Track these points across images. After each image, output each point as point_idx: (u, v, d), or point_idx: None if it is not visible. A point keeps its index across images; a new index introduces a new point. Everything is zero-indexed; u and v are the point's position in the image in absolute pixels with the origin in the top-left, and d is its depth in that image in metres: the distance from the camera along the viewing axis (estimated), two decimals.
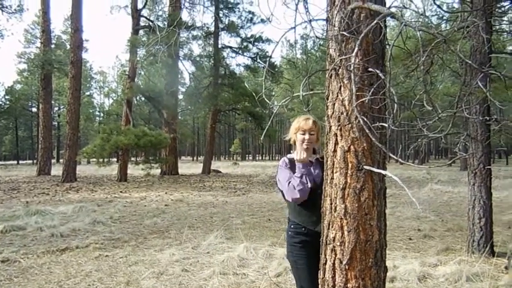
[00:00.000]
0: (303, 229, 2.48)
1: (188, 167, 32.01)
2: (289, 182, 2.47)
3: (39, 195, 11.92)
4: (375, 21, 1.99)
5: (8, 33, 64.27)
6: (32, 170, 24.47)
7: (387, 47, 2.28)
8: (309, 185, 2.45)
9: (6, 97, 51.47)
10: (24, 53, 42.67)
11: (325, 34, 2.55)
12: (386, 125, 2.06)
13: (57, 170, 22.58)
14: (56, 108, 48.40)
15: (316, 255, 2.40)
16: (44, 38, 22.86)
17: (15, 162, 53.23)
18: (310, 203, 2.45)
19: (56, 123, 48.38)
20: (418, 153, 37.76)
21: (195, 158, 64.87)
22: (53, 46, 27.03)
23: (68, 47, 23.49)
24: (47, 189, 13.78)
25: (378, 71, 2.07)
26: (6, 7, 28.13)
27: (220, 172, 24.98)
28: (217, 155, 66.17)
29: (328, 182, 2.17)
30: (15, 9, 28.52)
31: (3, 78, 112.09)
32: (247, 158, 70.75)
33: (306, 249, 2.47)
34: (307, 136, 2.50)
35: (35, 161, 39.49)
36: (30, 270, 4.45)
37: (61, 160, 28.53)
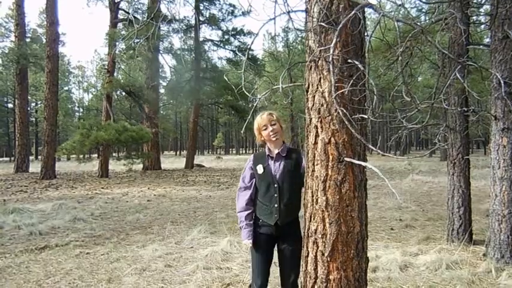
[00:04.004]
0: (260, 221, 2.57)
1: (171, 161, 31.74)
2: (239, 191, 2.65)
3: (16, 193, 11.61)
4: (353, 12, 1.98)
5: None
6: (9, 168, 23.81)
7: (366, 38, 2.28)
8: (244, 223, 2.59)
9: None
10: None
11: (304, 26, 2.53)
12: (366, 116, 2.06)
13: (35, 167, 22.03)
14: (33, 104, 47.11)
15: (271, 248, 2.59)
16: (18, 31, 22.12)
17: None
18: (267, 197, 2.54)
19: (34, 119, 47.12)
20: (399, 145, 38.46)
21: (178, 153, 64.35)
22: (28, 40, 26.20)
23: (44, 40, 22.80)
24: (25, 187, 13.43)
25: (357, 63, 2.06)
26: None
27: (203, 166, 24.86)
28: (200, 149, 65.82)
29: (309, 174, 2.16)
30: None
31: None
32: (230, 152, 70.63)
33: (263, 241, 2.57)
34: (270, 128, 2.54)
35: (12, 158, 38.47)
36: (8, 269, 4.33)
37: (39, 157, 27.87)
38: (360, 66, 2.07)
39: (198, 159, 29.57)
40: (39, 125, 46.39)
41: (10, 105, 48.08)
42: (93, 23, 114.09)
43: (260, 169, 2.58)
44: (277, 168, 2.54)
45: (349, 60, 2.11)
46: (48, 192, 11.83)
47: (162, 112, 37.79)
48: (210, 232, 5.89)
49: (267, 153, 2.60)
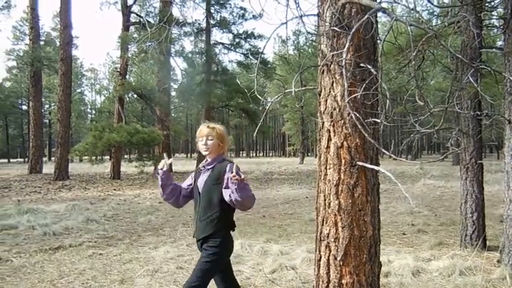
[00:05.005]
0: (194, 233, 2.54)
1: (182, 164, 31.91)
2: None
3: (31, 194, 11.80)
4: (366, 16, 1.99)
5: None
6: (24, 169, 24.20)
7: (379, 42, 2.28)
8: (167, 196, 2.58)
9: None
10: (13, 50, 42.00)
11: (316, 30, 2.54)
12: (378, 120, 2.06)
13: (49, 168, 22.35)
14: (47, 106, 47.88)
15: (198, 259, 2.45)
16: (32, 34, 22.53)
17: (6, 160, 52.63)
18: (194, 209, 2.53)
19: (47, 121, 47.90)
20: (411, 149, 38.03)
21: (189, 155, 64.69)
22: (42, 43, 26.67)
23: (58, 43, 23.19)
24: (39, 188, 13.65)
25: (369, 67, 2.07)
26: None
27: None
28: None
29: (322, 178, 2.17)
30: (2, 6, 28.14)
31: None
32: (241, 155, 70.73)
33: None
34: (203, 141, 2.47)
35: (26, 160, 39.11)
36: (23, 269, 4.41)
37: (53, 158, 28.29)
38: (372, 70, 2.08)
39: None
40: (52, 126, 47.15)
41: (24, 107, 48.98)
42: (106, 26, 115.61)
43: (190, 180, 2.60)
44: (201, 181, 2.47)
45: (362, 64, 2.12)
46: (61, 193, 12.01)
47: (173, 115, 38.11)
48: None
49: (202, 164, 2.56)
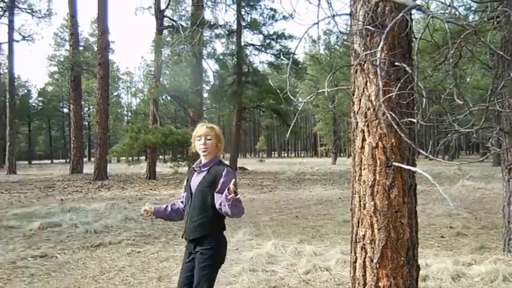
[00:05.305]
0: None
1: None
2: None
3: (73, 193, 12.37)
4: (400, 14, 1.96)
5: (38, 37, 67.08)
6: (66, 169, 25.34)
7: (414, 40, 2.24)
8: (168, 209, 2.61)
9: (39, 99, 53.82)
10: (54, 56, 44.36)
11: (348, 29, 2.52)
12: (414, 120, 2.02)
13: (89, 168, 23.29)
14: (86, 109, 49.90)
15: (190, 263, 2.42)
16: (72, 40, 23.54)
17: (49, 161, 55.39)
18: (186, 210, 2.48)
19: (87, 123, 49.92)
20: (448, 149, 36.63)
21: (221, 156, 65.37)
22: (81, 48, 27.86)
23: (95, 48, 24.15)
24: (80, 187, 14.28)
25: (404, 65, 2.04)
26: (36, 12, 29.27)
27: (246, 169, 25.10)
28: (243, 153, 66.42)
29: (356, 179, 2.15)
30: (44, 14, 29.64)
31: (36, 81, 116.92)
32: (272, 155, 70.73)
33: (185, 253, 2.49)
34: (202, 141, 2.42)
35: (67, 160, 40.94)
36: (67, 265, 4.63)
37: (92, 159, 29.46)
38: (407, 68, 2.04)
39: (240, 162, 29.88)
40: (91, 128, 49.08)
41: (65, 110, 51.36)
42: (140, 30, 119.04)
43: (185, 181, 2.55)
44: (195, 182, 2.43)
45: (397, 63, 2.08)
46: (101, 193, 12.50)
47: (205, 116, 38.67)
48: (254, 234, 5.96)
49: (196, 164, 2.51)
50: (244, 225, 6.61)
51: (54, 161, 56.41)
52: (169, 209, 2.61)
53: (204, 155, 2.43)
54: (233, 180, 2.17)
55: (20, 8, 28.20)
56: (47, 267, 4.55)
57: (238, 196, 2.12)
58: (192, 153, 21.39)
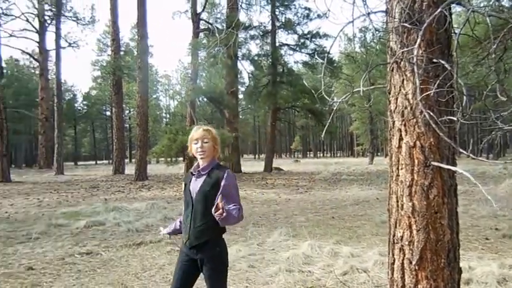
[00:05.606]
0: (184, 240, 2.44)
1: (250, 164, 32.54)
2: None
3: (115, 193, 12.89)
4: (439, 10, 1.90)
5: (82, 43, 70.60)
6: (108, 170, 26.42)
7: (453, 35, 2.16)
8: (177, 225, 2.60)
9: (84, 102, 56.53)
10: (97, 61, 46.52)
11: (384, 26, 2.48)
12: (454, 118, 1.96)
13: (130, 169, 24.15)
14: (127, 111, 51.74)
15: (188, 269, 2.39)
16: (114, 46, 24.47)
17: (94, 162, 58.02)
18: (185, 216, 2.42)
19: (128, 125, 51.78)
20: (492, 147, 34.74)
21: (256, 156, 65.77)
22: (122, 53, 28.93)
23: (135, 53, 25.02)
24: (122, 187, 14.86)
25: (443, 62, 1.98)
26: (81, 19, 30.83)
27: (281, 170, 25.07)
28: (278, 153, 66.46)
29: (394, 179, 2.11)
30: (88, 21, 31.19)
31: (81, 85, 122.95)
32: (308, 155, 70.18)
33: (180, 258, 2.45)
34: (199, 144, 2.36)
35: (110, 161, 42.66)
36: (111, 262, 4.85)
37: (133, 160, 30.51)
38: (446, 65, 1.98)
39: (276, 162, 29.91)
40: (132, 130, 50.85)
41: (108, 113, 53.62)
42: (177, 34, 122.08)
43: (183, 186, 2.47)
44: (196, 186, 2.35)
45: (435, 60, 2.03)
46: (141, 193, 12.95)
47: (241, 116, 38.99)
48: (290, 235, 5.95)
49: (193, 168, 2.44)
50: (280, 226, 6.63)
51: (98, 162, 58.99)
52: (178, 223, 2.63)
53: (201, 159, 2.37)
54: (220, 197, 2.12)
55: (66, 16, 29.90)
56: (93, 263, 4.79)
57: (224, 214, 2.06)
58: (229, 154, 21.71)
